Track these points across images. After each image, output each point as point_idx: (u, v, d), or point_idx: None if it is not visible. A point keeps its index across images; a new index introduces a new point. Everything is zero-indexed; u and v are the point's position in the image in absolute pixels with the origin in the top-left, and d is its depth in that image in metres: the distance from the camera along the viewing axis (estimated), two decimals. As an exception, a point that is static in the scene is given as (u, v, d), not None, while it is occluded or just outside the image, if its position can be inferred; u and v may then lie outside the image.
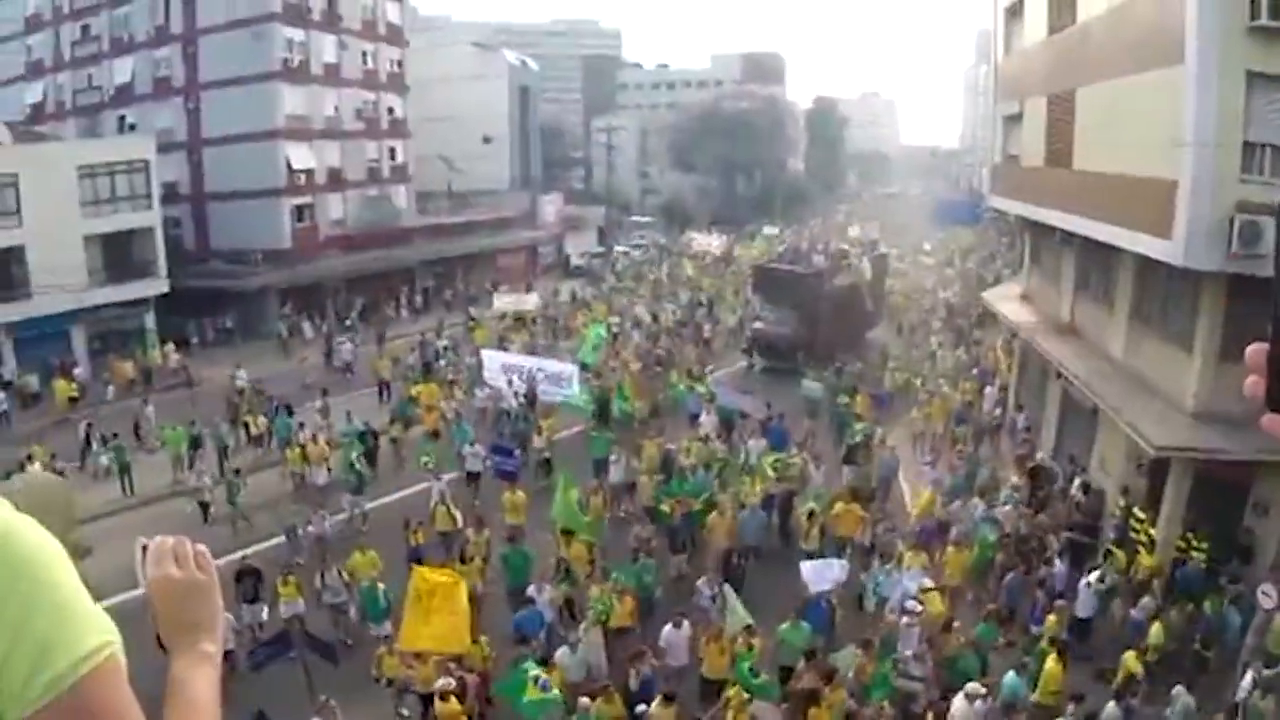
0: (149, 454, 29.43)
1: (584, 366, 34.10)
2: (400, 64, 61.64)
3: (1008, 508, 21.80)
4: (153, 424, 30.85)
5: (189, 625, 1.75)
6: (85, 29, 55.99)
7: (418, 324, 48.95)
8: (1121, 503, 20.92)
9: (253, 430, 30.68)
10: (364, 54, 58.13)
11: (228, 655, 14.31)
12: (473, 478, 25.78)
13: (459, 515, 21.83)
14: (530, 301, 48.84)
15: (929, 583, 17.64)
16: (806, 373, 34.60)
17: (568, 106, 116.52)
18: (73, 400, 35.07)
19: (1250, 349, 0.91)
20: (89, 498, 24.57)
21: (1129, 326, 22.76)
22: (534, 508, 22.32)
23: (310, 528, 22.12)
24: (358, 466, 25.64)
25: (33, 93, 58.28)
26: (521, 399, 31.02)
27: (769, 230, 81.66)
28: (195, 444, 28.55)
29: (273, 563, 19.89)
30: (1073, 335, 26.11)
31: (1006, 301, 32.17)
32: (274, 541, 22.56)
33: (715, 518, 20.91)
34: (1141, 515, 19.70)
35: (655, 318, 47.17)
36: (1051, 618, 17.18)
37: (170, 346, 42.72)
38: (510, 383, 31.73)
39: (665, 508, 21.58)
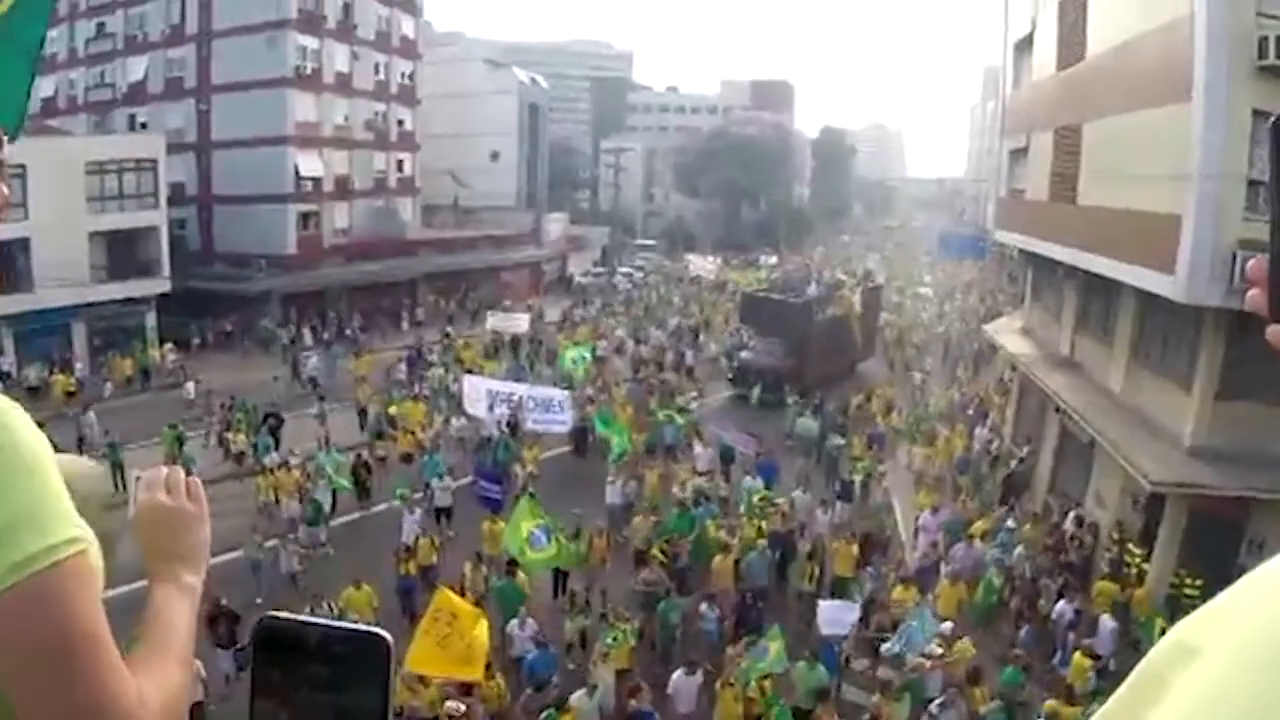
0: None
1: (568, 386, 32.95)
2: (412, 77, 61.81)
3: (1020, 550, 21.20)
4: (95, 431, 29.01)
5: (172, 554, 1.73)
6: (100, 26, 56.11)
7: (409, 338, 48.54)
8: (1116, 537, 20.93)
9: (233, 446, 29.17)
10: (376, 65, 58.26)
11: (195, 708, 14.21)
12: (441, 512, 23.79)
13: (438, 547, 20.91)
14: (522, 322, 47.48)
15: (948, 627, 17.13)
16: (789, 404, 33.77)
17: (576, 126, 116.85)
18: (70, 395, 35.01)
19: (1251, 262, 0.91)
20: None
21: (1128, 362, 22.82)
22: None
23: (281, 564, 20.60)
24: (338, 486, 24.44)
25: (44, 87, 58.25)
26: (504, 427, 29.03)
27: (766, 259, 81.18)
28: (181, 443, 28.21)
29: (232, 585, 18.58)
30: (1072, 369, 26.17)
31: (1007, 334, 32.25)
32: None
33: (720, 560, 19.92)
34: (1136, 550, 19.70)
35: (639, 342, 46.05)
36: (1078, 657, 16.47)
37: (169, 346, 42.70)
38: (492, 408, 29.79)
39: (657, 552, 20.29)
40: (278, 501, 24.10)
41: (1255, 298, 0.89)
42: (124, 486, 26.29)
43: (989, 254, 67.72)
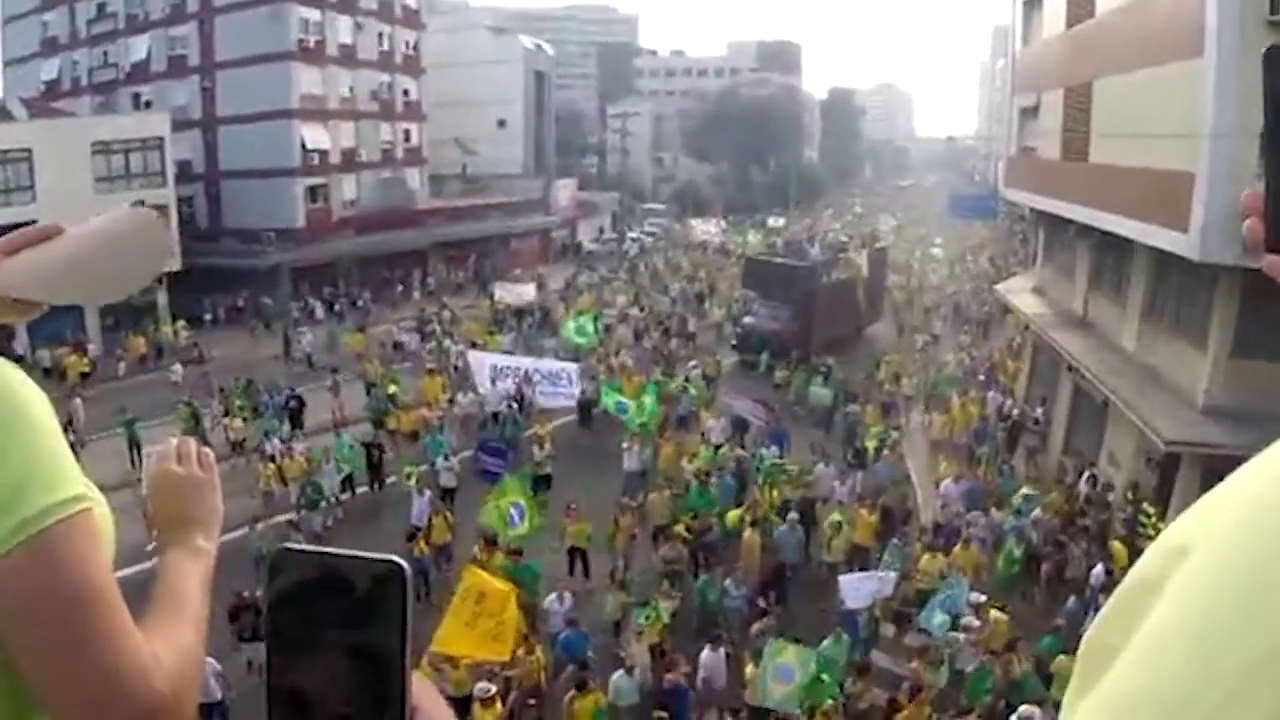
0: (81, 447, 26.35)
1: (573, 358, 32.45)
2: (416, 46, 61.54)
3: (1036, 512, 20.90)
4: (82, 418, 28.32)
5: (185, 520, 1.76)
6: (101, 7, 55.85)
7: (419, 308, 48.50)
8: (1130, 497, 20.86)
9: (229, 434, 27.05)
10: (380, 35, 58.00)
11: (216, 705, 14.08)
12: (448, 494, 22.83)
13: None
14: (529, 293, 46.42)
15: (982, 598, 16.85)
16: (797, 369, 33.21)
17: (583, 92, 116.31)
18: (84, 376, 35.12)
19: (1246, 193, 0.91)
20: (101, 471, 24.46)
21: (1142, 320, 22.69)
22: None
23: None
24: (354, 466, 23.95)
25: (48, 69, 58.23)
26: (511, 403, 28.29)
27: (774, 221, 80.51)
28: (197, 419, 27.99)
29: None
30: (1085, 329, 26.05)
31: (1019, 294, 32.08)
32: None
33: (749, 535, 19.46)
34: (1150, 510, 19.62)
35: (643, 309, 45.50)
36: None
37: (182, 324, 42.82)
38: (495, 383, 28.90)
39: (682, 528, 19.77)
40: (285, 484, 23.40)
41: (1252, 227, 0.88)
42: (140, 463, 26.44)
43: (1000, 213, 67.26)
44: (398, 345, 38.95)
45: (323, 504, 22.21)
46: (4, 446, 1.34)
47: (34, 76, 57.36)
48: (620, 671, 14.53)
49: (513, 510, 18.41)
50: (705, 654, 15.33)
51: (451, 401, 29.06)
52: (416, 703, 0.77)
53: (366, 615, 0.75)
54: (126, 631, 1.39)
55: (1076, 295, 27.32)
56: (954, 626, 15.82)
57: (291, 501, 22.51)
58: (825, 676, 13.87)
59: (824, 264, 41.39)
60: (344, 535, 21.69)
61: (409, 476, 22.22)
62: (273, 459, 24.14)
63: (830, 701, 13.37)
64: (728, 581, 17.77)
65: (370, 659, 0.75)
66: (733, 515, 20.40)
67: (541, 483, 23.20)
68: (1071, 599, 17.76)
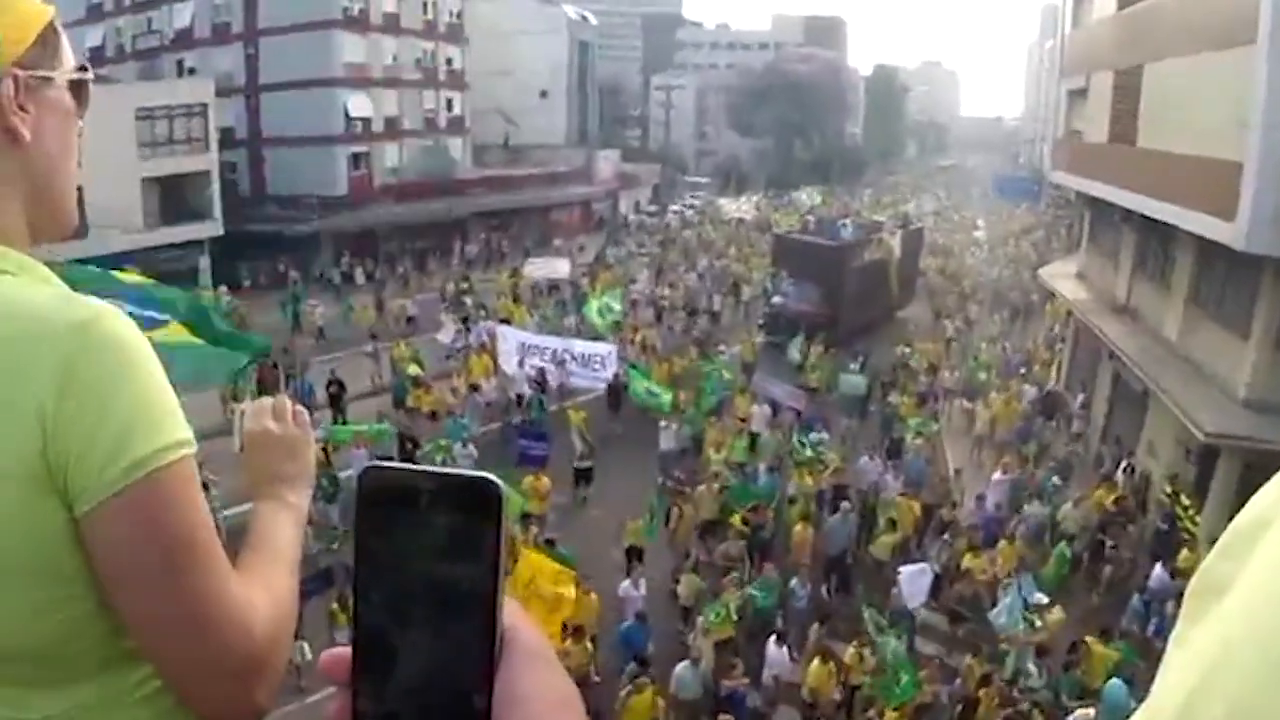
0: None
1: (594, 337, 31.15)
2: (460, 15, 61.50)
3: (1068, 506, 20.55)
4: None
5: (278, 477, 1.81)
6: (146, -27, 56.21)
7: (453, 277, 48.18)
8: (1168, 489, 20.63)
9: (233, 417, 25.74)
10: (424, 4, 57.92)
11: None
12: None
13: None
14: (562, 269, 44.00)
15: (1045, 598, 16.45)
16: (828, 354, 32.15)
17: (626, 64, 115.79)
18: (124, 339, 35.52)
19: None
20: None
21: (1185, 309, 22.38)
22: (568, 522, 20.32)
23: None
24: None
25: (92, 36, 58.49)
26: (534, 384, 27.05)
27: (809, 198, 79.67)
28: (236, 384, 27.83)
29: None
30: (1128, 316, 25.76)
31: (1062, 279, 31.75)
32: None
33: (800, 530, 18.91)
34: (1187, 503, 19.41)
35: (672, 287, 44.00)
36: None
37: (224, 289, 43.12)
38: (522, 363, 27.84)
39: (738, 520, 19.04)
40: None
41: None
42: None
43: (1045, 197, 66.48)
44: (410, 320, 37.78)
45: (341, 495, 20.91)
46: (117, 388, 1.35)
47: (79, 43, 57.49)
48: (685, 662, 14.37)
49: None
50: (770, 649, 15.14)
51: (474, 388, 27.42)
52: (509, 624, 0.77)
53: (459, 533, 0.74)
54: (225, 576, 1.43)
55: (1120, 282, 27.01)
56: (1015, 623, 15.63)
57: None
58: (904, 674, 13.79)
59: (856, 244, 40.16)
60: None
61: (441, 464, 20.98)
62: None
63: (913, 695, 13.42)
64: (794, 581, 17.40)
65: (461, 579, 0.75)
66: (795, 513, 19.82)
67: (582, 477, 22.46)
68: (1135, 597, 17.47)
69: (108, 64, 54.83)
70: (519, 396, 26.90)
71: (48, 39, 1.54)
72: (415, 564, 0.75)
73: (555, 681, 0.79)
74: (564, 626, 14.33)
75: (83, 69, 1.64)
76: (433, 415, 25.59)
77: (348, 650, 0.77)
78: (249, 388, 25.02)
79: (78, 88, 1.64)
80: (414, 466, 0.78)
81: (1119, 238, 27.25)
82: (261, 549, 1.64)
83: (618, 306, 34.84)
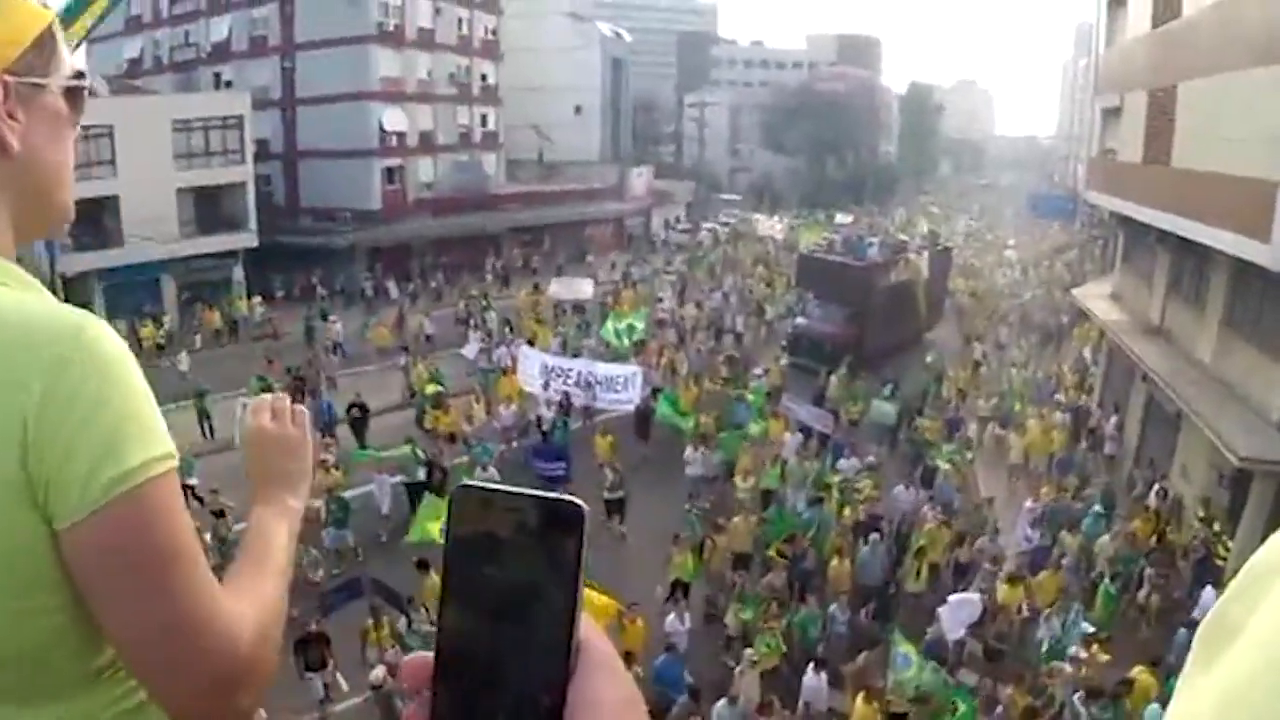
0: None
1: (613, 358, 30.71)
2: (495, 31, 61.97)
3: (1104, 539, 19.96)
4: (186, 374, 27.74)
5: (275, 476, 1.81)
6: (183, -13, 56.87)
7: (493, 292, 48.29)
8: (1201, 513, 20.40)
9: None
10: (459, 20, 58.37)
11: None
12: None
13: None
14: (586, 288, 43.57)
15: (1090, 628, 16.21)
16: (858, 380, 31.21)
17: (661, 81, 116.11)
18: (159, 347, 35.82)
19: None
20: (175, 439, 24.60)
21: (1219, 331, 22.16)
22: (598, 550, 18.98)
23: (309, 571, 18.17)
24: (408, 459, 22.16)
25: (131, 48, 59.29)
26: (557, 407, 26.56)
27: (841, 217, 79.27)
28: (268, 392, 27.71)
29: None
30: (1161, 337, 25.53)
31: (1095, 300, 31.50)
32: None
33: (837, 564, 18.54)
34: (1218, 529, 19.18)
35: (699, 306, 43.01)
36: None
37: (257, 299, 43.47)
38: (547, 385, 27.50)
39: (775, 552, 18.88)
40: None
41: None
42: (211, 434, 26.85)
43: (1080, 217, 65.95)
44: (429, 338, 37.56)
45: (352, 518, 20.62)
46: (103, 401, 1.34)
47: (117, 55, 58.37)
48: (723, 701, 14.17)
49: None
50: (808, 678, 15.01)
51: (488, 411, 27.07)
52: (584, 639, 0.81)
53: (543, 550, 0.79)
54: (209, 588, 1.42)
55: (1153, 303, 26.79)
56: (1060, 655, 15.47)
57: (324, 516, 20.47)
58: (962, 704, 13.68)
59: (882, 264, 39.40)
60: (376, 552, 20.32)
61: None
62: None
63: None
64: (833, 607, 17.21)
65: (544, 593, 0.79)
66: (830, 545, 19.40)
67: (614, 509, 21.59)
68: (1181, 631, 16.86)
69: (145, 76, 55.64)
70: (538, 418, 26.36)
71: (43, 45, 1.53)
72: (501, 578, 0.79)
73: (624, 689, 0.82)
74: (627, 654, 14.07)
75: (80, 75, 1.63)
76: (451, 437, 25.12)
77: (429, 656, 0.81)
78: (258, 386, 24.59)
79: (73, 93, 1.62)
80: (504, 487, 0.83)
81: (1153, 258, 27.04)
82: (253, 556, 1.64)
83: (641, 326, 34.52)
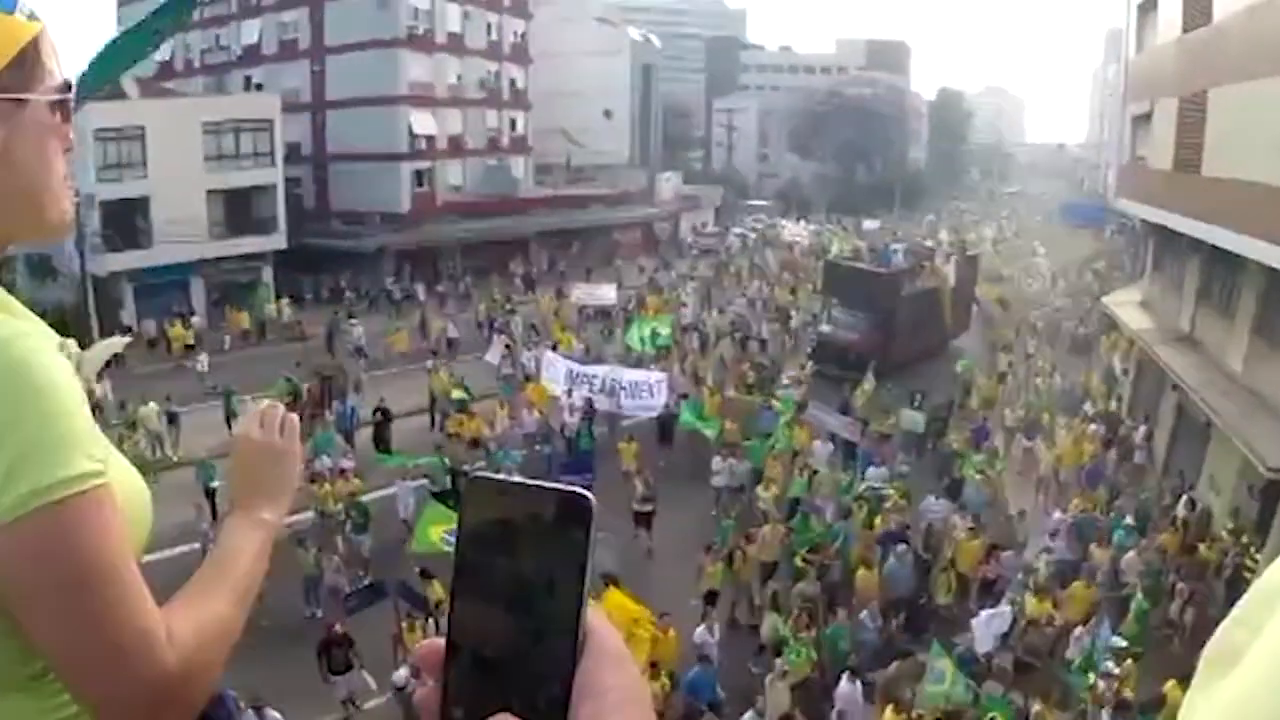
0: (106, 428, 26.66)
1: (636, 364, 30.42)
2: (524, 36, 62.29)
3: (1130, 555, 19.54)
4: (110, 400, 26.75)
5: (254, 487, 1.78)
6: (214, -9, 57.27)
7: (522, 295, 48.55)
8: (1229, 525, 20.20)
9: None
10: (488, 25, 58.72)
11: None
12: None
13: None
14: (609, 295, 43.47)
15: (1123, 643, 15.97)
16: (886, 388, 30.67)
17: (689, 86, 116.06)
18: (188, 347, 36.07)
19: None
20: (200, 441, 24.89)
21: (1250, 340, 21.93)
22: (627, 559, 19.00)
23: (332, 576, 18.37)
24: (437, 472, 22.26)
25: (162, 51, 59.73)
26: (580, 414, 26.23)
27: (869, 223, 78.91)
28: (296, 395, 27.49)
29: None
30: (1192, 346, 25.31)
31: (1125, 308, 31.25)
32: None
33: (864, 574, 18.33)
34: (1247, 541, 18.98)
35: (721, 311, 43.07)
36: None
37: (285, 301, 43.71)
38: (570, 392, 27.28)
39: (800, 561, 18.68)
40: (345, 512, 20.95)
41: None
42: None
43: (1110, 224, 65.42)
44: (450, 343, 37.21)
45: (372, 526, 20.51)
46: (15, 416, 1.33)
47: (148, 57, 58.79)
48: (750, 713, 14.11)
49: (450, 538, 16.37)
50: (843, 685, 14.85)
51: (512, 418, 26.65)
52: (591, 626, 0.83)
53: (551, 542, 0.81)
54: (136, 608, 1.39)
55: (1184, 311, 26.57)
56: (1091, 670, 15.24)
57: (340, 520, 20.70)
58: (1000, 716, 13.59)
59: (907, 272, 39.15)
60: (396, 555, 19.57)
61: None
62: (322, 481, 21.60)
63: None
64: (864, 614, 17.12)
65: (553, 581, 0.81)
66: (855, 555, 19.25)
67: (642, 520, 21.33)
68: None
69: (176, 78, 56.13)
70: (562, 425, 26.32)
71: (26, 58, 1.52)
72: (511, 568, 0.82)
73: (630, 677, 0.84)
74: (653, 665, 14.10)
75: (67, 87, 1.62)
76: (473, 442, 25.09)
77: (441, 641, 0.84)
78: (286, 387, 24.42)
79: (61, 105, 1.62)
80: (515, 479, 0.86)
81: (1183, 266, 26.83)
82: (210, 573, 1.62)
83: (666, 332, 34.38)
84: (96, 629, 1.36)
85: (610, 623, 0.87)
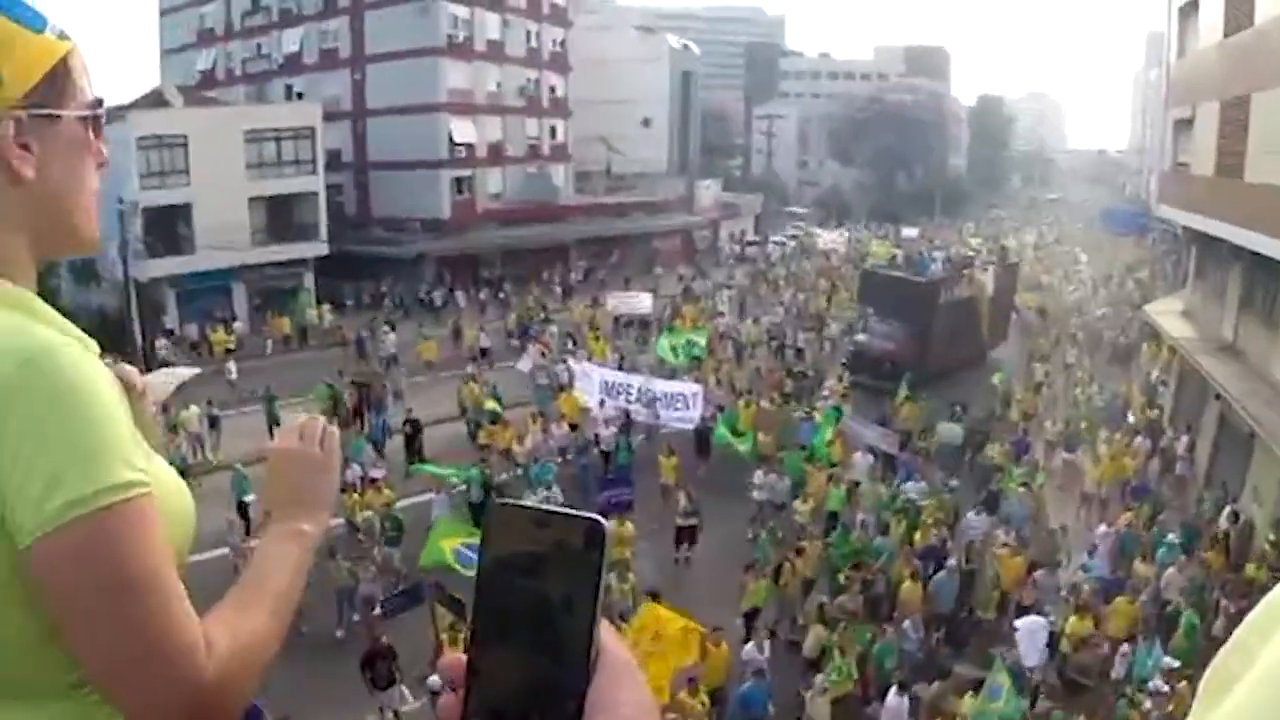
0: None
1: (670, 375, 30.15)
2: (563, 44, 62.45)
3: (1171, 571, 19.11)
4: (207, 434, 27.18)
5: (292, 499, 1.79)
6: (255, 1, 58.11)
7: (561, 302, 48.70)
8: (1271, 537, 19.94)
9: None
10: (528, 33, 58.93)
11: None
12: None
13: None
14: (645, 304, 42.93)
15: (1175, 663, 15.57)
16: (923, 401, 30.06)
17: (728, 93, 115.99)
18: (229, 351, 36.42)
19: None
20: (242, 446, 25.01)
21: (1294, 350, 21.73)
22: (668, 572, 19.56)
23: (367, 585, 18.17)
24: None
25: (204, 60, 60.79)
26: (615, 427, 26.06)
27: (908, 231, 78.27)
28: (336, 400, 27.94)
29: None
30: (1234, 355, 25.04)
31: (1166, 317, 30.91)
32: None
33: (909, 587, 18.12)
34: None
35: (755, 322, 42.63)
36: None
37: (326, 307, 44.10)
38: (602, 404, 27.00)
39: (843, 578, 18.56)
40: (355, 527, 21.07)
41: None
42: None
43: (1153, 232, 64.73)
44: (484, 352, 36.94)
45: (402, 539, 20.27)
46: (57, 426, 1.36)
47: (190, 66, 59.67)
48: None
49: (467, 551, 16.64)
50: (890, 699, 14.77)
51: (545, 432, 25.95)
52: (603, 643, 0.89)
53: (568, 565, 0.87)
54: (175, 617, 1.40)
55: (1226, 319, 26.29)
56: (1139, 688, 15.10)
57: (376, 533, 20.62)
58: None
59: (945, 280, 38.57)
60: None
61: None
62: (355, 491, 21.39)
63: None
64: (906, 624, 17.03)
65: (568, 601, 0.87)
66: (898, 569, 18.99)
67: (685, 534, 21.23)
68: None
69: (218, 87, 56.79)
70: (596, 436, 26.07)
71: (57, 76, 1.55)
72: (531, 587, 0.87)
73: (641, 693, 0.89)
74: (691, 680, 14.06)
75: (98, 103, 1.66)
76: (505, 453, 25.13)
77: (464, 656, 0.90)
78: (326, 393, 24.30)
79: (93, 121, 1.65)
80: (535, 505, 0.91)
81: (1226, 274, 26.54)
82: (249, 584, 1.63)
83: (703, 341, 34.14)
84: (136, 637, 1.37)
85: (620, 639, 0.91)
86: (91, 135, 1.64)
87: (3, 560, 1.36)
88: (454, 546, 16.88)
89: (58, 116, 1.56)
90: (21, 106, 1.50)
